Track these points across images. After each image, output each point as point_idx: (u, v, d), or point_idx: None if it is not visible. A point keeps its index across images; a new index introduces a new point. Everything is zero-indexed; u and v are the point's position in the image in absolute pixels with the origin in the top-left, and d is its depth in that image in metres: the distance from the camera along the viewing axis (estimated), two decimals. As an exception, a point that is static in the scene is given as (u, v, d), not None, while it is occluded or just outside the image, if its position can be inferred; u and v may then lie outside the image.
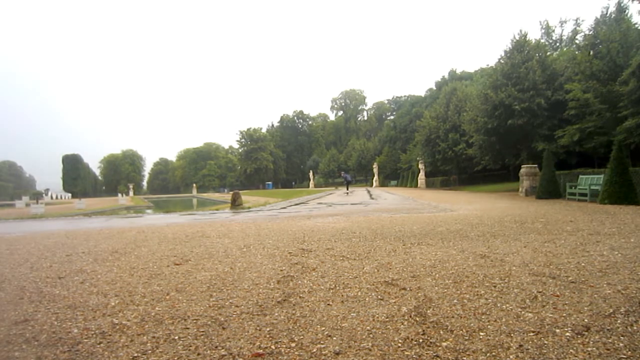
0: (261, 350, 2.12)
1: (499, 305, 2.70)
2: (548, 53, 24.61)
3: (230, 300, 3.00)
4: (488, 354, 1.99)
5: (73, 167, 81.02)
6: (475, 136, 24.72)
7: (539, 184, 15.45)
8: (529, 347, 2.05)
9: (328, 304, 2.84)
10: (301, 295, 3.09)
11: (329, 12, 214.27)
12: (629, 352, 1.97)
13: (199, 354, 2.10)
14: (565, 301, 2.74)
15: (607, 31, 18.29)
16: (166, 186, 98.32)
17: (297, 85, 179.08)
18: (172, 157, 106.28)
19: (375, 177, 52.27)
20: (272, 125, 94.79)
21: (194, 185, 73.52)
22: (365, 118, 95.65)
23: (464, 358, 1.96)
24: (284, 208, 13.95)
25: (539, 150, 20.36)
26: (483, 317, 2.49)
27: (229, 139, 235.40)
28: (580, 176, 13.99)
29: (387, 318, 2.53)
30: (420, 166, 40.30)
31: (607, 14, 22.52)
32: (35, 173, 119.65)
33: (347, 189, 29.63)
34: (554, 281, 3.23)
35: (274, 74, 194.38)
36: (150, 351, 2.16)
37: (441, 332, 2.28)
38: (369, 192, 28.36)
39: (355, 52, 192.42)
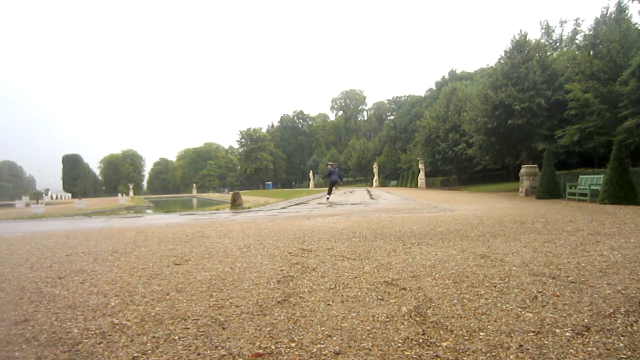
0: (261, 350, 2.12)
1: (499, 305, 2.70)
2: (548, 53, 24.60)
3: (230, 300, 3.00)
4: (488, 354, 1.99)
5: (73, 167, 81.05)
6: (475, 136, 24.71)
7: (539, 184, 15.46)
8: (529, 347, 2.05)
9: (328, 304, 2.84)
10: (301, 295, 3.09)
11: (329, 12, 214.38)
12: (629, 352, 1.97)
13: (199, 354, 2.10)
14: (565, 301, 2.74)
15: (607, 31, 18.28)
16: (166, 186, 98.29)
17: (297, 85, 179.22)
18: (172, 157, 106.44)
19: (375, 177, 52.28)
20: (272, 125, 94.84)
21: (194, 185, 73.55)
22: (365, 118, 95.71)
23: (464, 358, 1.96)
24: (284, 208, 13.95)
25: (539, 150, 20.37)
26: (483, 317, 2.49)
27: (229, 139, 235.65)
28: (580, 176, 13.99)
29: (387, 318, 2.53)
30: (420, 166, 40.29)
31: (607, 14, 22.50)
32: (35, 173, 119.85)
33: (329, 193, 17.07)
34: (554, 281, 3.23)
35: (274, 74, 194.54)
36: (150, 351, 2.16)
37: (441, 332, 2.28)
38: (369, 192, 28.35)
39: (355, 52, 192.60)
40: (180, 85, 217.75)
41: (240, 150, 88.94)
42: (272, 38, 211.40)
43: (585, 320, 2.39)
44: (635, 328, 2.25)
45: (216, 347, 2.18)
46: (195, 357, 2.07)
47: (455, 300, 2.82)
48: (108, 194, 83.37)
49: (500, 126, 22.02)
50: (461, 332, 2.27)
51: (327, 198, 16.72)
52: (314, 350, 2.10)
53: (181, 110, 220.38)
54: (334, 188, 17.82)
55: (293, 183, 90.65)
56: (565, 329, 2.25)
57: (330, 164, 17.32)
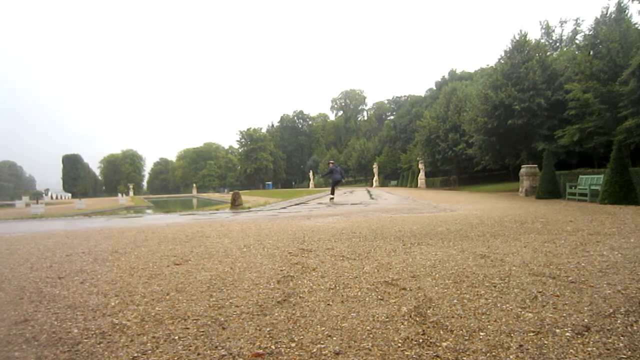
0: (261, 350, 2.12)
1: (499, 305, 2.70)
2: (548, 53, 24.61)
3: (230, 300, 3.00)
4: (488, 354, 1.99)
5: (73, 167, 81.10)
6: (475, 136, 24.72)
7: (539, 184, 15.45)
8: (529, 347, 2.05)
9: (328, 304, 2.84)
10: (301, 295, 3.09)
11: (329, 12, 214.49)
12: (629, 352, 1.97)
13: (199, 354, 2.10)
14: (565, 301, 2.74)
15: (607, 31, 18.30)
16: (166, 186, 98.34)
17: (297, 85, 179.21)
18: (172, 157, 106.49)
19: (375, 177, 52.31)
20: (272, 125, 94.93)
21: (194, 185, 73.63)
22: (365, 118, 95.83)
23: (464, 358, 1.96)
24: (284, 208, 13.95)
25: (539, 150, 20.37)
26: (483, 317, 2.49)
27: (229, 139, 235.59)
28: (580, 176, 13.99)
29: (387, 318, 2.53)
30: (420, 166, 40.32)
31: (607, 14, 22.54)
32: (35, 173, 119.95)
33: (332, 193, 16.51)
34: (554, 281, 3.23)
35: (274, 74, 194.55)
36: (150, 351, 2.16)
37: (441, 332, 2.28)
38: (369, 192, 28.36)
39: (355, 52, 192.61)
40: (181, 85, 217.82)
41: (240, 150, 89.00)
42: (272, 38, 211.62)
43: (585, 320, 2.39)
44: (635, 328, 2.25)
45: (216, 347, 2.18)
46: (195, 357, 2.07)
47: (455, 300, 2.82)
48: (108, 194, 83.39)
49: (500, 126, 22.03)
50: (461, 332, 2.27)
51: (331, 198, 16.01)
52: (314, 350, 2.10)
53: (181, 110, 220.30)
54: (336, 187, 16.89)
55: (293, 183, 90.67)
56: (565, 329, 2.25)
57: (332, 163, 16.70)
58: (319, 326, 2.43)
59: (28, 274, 4.17)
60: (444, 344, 2.12)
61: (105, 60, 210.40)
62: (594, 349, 2.01)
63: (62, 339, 2.38)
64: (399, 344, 2.14)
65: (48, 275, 4.08)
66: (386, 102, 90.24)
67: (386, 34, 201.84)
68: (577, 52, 21.93)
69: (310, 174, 66.01)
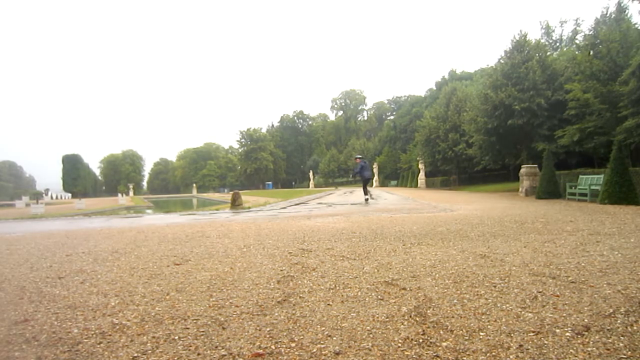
0: (261, 350, 2.12)
1: (499, 305, 2.70)
2: (548, 53, 24.60)
3: (230, 300, 3.00)
4: (488, 354, 1.99)
5: (73, 167, 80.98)
6: (475, 136, 24.71)
7: (539, 184, 15.45)
8: (529, 347, 2.05)
9: (328, 304, 2.84)
10: (301, 295, 3.09)
11: (329, 13, 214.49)
12: (629, 352, 1.97)
13: (199, 354, 2.10)
14: (565, 301, 2.74)
15: (607, 31, 18.29)
16: (166, 186, 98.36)
17: (297, 85, 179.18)
18: (172, 157, 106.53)
19: (375, 177, 52.29)
20: (272, 125, 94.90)
21: (194, 185, 73.69)
22: (365, 118, 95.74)
23: (464, 358, 1.96)
24: (284, 208, 13.95)
25: (539, 150, 20.37)
26: (483, 317, 2.49)
27: (229, 139, 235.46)
28: (580, 176, 13.99)
29: (387, 318, 2.53)
30: (420, 166, 40.32)
31: (607, 14, 22.53)
32: (35, 173, 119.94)
33: (366, 192, 14.97)
34: (554, 281, 3.23)
35: (274, 74, 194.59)
36: (150, 351, 2.16)
37: (441, 332, 2.28)
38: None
39: (355, 52, 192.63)
40: (181, 85, 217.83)
41: (240, 150, 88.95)
42: (272, 38, 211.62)
43: (585, 320, 2.39)
44: (635, 328, 2.25)
45: (216, 347, 2.18)
46: (195, 357, 2.07)
47: (455, 300, 2.82)
48: (108, 194, 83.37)
49: (500, 126, 22.03)
50: (461, 332, 2.27)
51: (367, 199, 14.61)
52: (314, 350, 2.10)
53: (181, 110, 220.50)
54: (367, 185, 15.02)
55: (293, 183, 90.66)
56: (565, 329, 2.25)
57: (359, 158, 15.03)
58: (319, 326, 2.43)
59: (28, 274, 4.17)
60: (444, 344, 2.12)
61: (106, 60, 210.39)
62: (594, 349, 2.01)
63: (62, 339, 2.38)
64: (399, 344, 2.14)
65: (48, 275, 4.08)
66: (386, 102, 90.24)
67: (386, 35, 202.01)
68: (577, 52, 21.89)
69: (310, 174, 66.04)
